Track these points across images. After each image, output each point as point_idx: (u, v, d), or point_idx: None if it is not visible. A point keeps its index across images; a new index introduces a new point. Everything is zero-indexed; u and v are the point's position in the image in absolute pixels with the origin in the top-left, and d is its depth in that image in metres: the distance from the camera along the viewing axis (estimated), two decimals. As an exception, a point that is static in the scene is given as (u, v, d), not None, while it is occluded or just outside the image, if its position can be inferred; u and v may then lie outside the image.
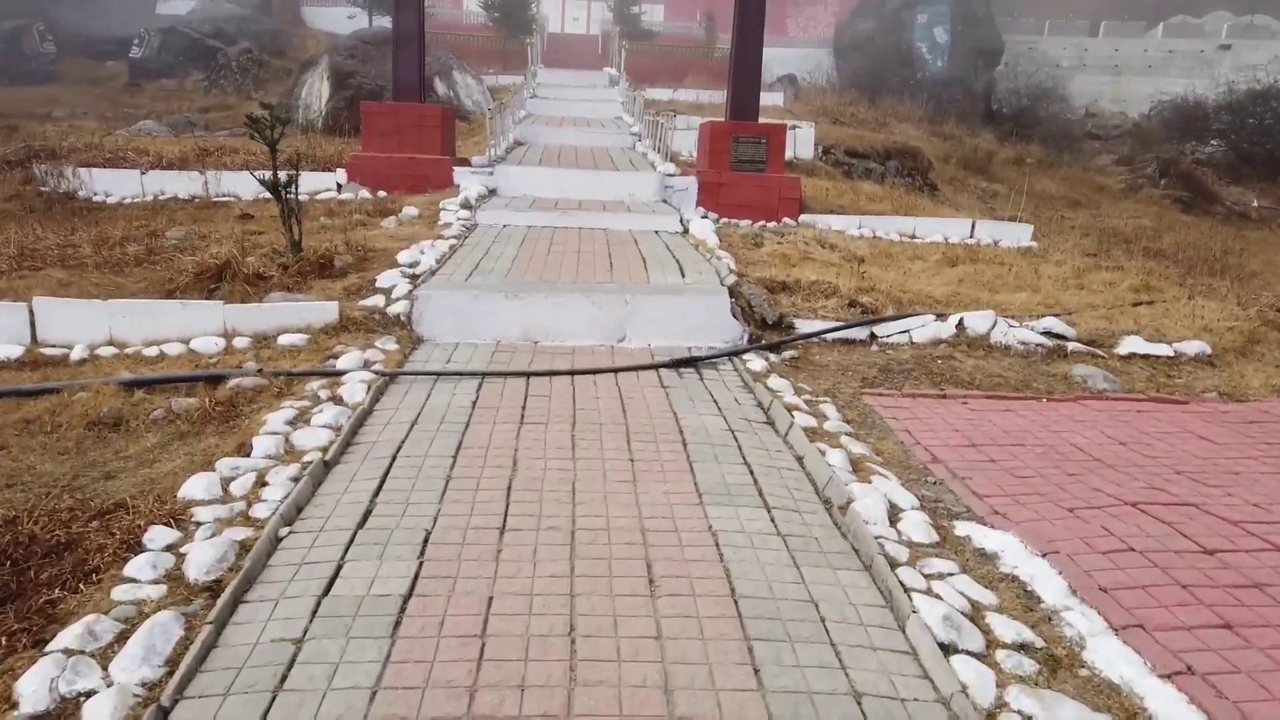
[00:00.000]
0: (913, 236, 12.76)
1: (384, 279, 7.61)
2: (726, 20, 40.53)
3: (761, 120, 13.64)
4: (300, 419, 5.25)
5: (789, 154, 20.58)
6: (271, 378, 5.94)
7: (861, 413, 5.92)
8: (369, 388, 5.69)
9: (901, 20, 41.29)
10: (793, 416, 5.47)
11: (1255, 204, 27.85)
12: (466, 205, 11.19)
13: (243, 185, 12.38)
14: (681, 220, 11.02)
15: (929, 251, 11.77)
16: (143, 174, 12.70)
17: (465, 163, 13.51)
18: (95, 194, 12.41)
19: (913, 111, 33.08)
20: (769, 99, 29.86)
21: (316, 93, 21.68)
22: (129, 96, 29.82)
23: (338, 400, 5.55)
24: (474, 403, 5.59)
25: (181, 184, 12.61)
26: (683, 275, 8.04)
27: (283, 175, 8.41)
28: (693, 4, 48.47)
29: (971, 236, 12.92)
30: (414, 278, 7.68)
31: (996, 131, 35.57)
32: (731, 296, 7.55)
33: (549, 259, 8.64)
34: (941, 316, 8.00)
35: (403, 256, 8.26)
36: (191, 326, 6.70)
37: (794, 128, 21.63)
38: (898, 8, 41.88)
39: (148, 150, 14.00)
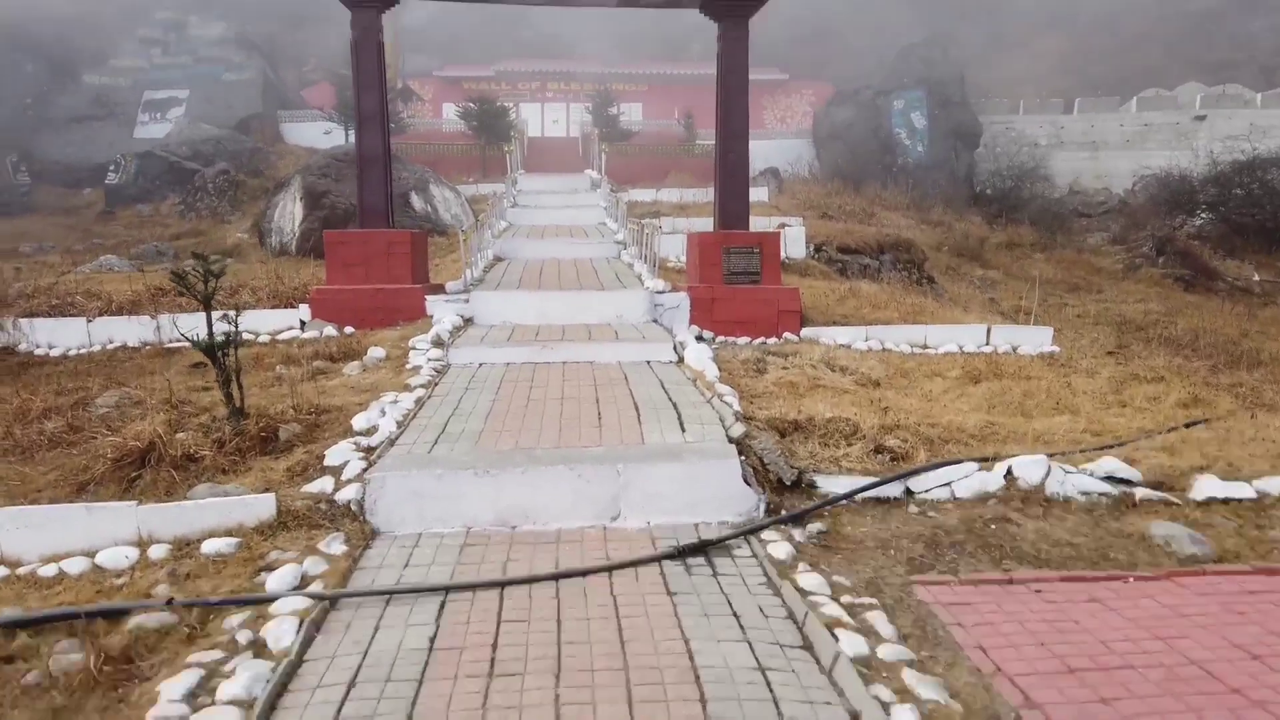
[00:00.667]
0: (924, 346, 11.80)
1: (334, 454, 6.50)
2: (705, 117, 40.49)
3: (750, 218, 12.77)
4: (208, 684, 4.07)
5: (781, 255, 19.83)
6: (183, 611, 4.77)
7: (918, 618, 4.76)
8: (301, 623, 4.52)
9: (878, 107, 41.44)
10: (836, 640, 4.32)
11: (1256, 278, 27.20)
12: (439, 342, 10.18)
13: (202, 326, 11.38)
14: (675, 347, 10.01)
15: (946, 365, 10.77)
16: (89, 322, 11.69)
17: (440, 289, 12.58)
18: (37, 347, 11.38)
19: (898, 199, 32.73)
20: (753, 194, 29.40)
21: (289, 215, 20.97)
22: (102, 225, 29.23)
23: (260, 647, 4.38)
24: (432, 641, 4.42)
25: (132, 331, 11.59)
26: (682, 429, 6.95)
27: (223, 329, 7.40)
28: (670, 101, 48.85)
29: (988, 343, 11.96)
30: (369, 450, 6.57)
31: (983, 214, 35.27)
32: (741, 453, 6.45)
33: (528, 412, 7.56)
34: (985, 463, 6.90)
35: (359, 421, 7.16)
36: (100, 534, 5.56)
37: (784, 226, 20.96)
38: (873, 95, 42.10)
39: (99, 293, 13.04)
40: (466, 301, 11.86)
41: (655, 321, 11.89)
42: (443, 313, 11.61)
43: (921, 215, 29.61)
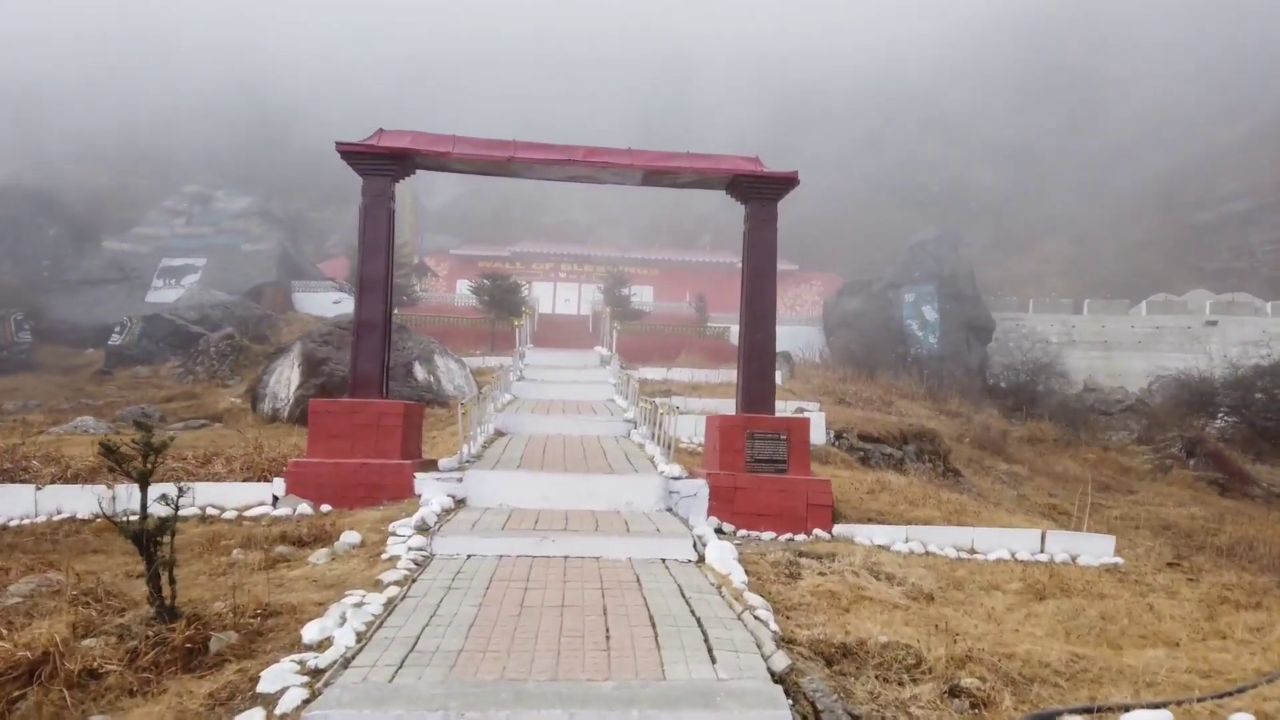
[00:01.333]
0: (972, 551, 10.44)
1: (271, 677, 5.11)
2: (717, 300, 40.54)
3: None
4: None
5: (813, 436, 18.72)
6: None
7: None
8: None
9: (889, 299, 41.65)
10: None
11: (1295, 483, 25.89)
12: (423, 528, 8.88)
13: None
14: (695, 544, 8.69)
15: (1003, 575, 9.39)
16: (38, 489, 10.45)
17: (433, 465, 11.39)
18: (-25, 515, 10.09)
19: (913, 388, 31.96)
20: (766, 378, 28.75)
21: (285, 380, 20.09)
22: (96, 385, 28.43)
23: None
24: None
25: (84, 501, 10.32)
26: (711, 657, 5.57)
27: (166, 509, 6.16)
28: (681, 285, 49.38)
29: (1042, 550, 10.60)
30: (317, 673, 5.19)
31: (999, 407, 34.39)
32: (789, 697, 5.05)
33: (520, 624, 6.19)
34: (1091, 716, 5.47)
35: (311, 631, 5.80)
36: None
37: (801, 411, 19.97)
38: (884, 287, 42.42)
39: (59, 457, 11.87)
40: (460, 481, 10.64)
41: (670, 511, 10.61)
42: (432, 493, 10.37)
43: (938, 405, 28.71)
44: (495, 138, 11.93)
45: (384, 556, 8.10)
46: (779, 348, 36.12)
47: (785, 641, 6.28)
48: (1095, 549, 10.70)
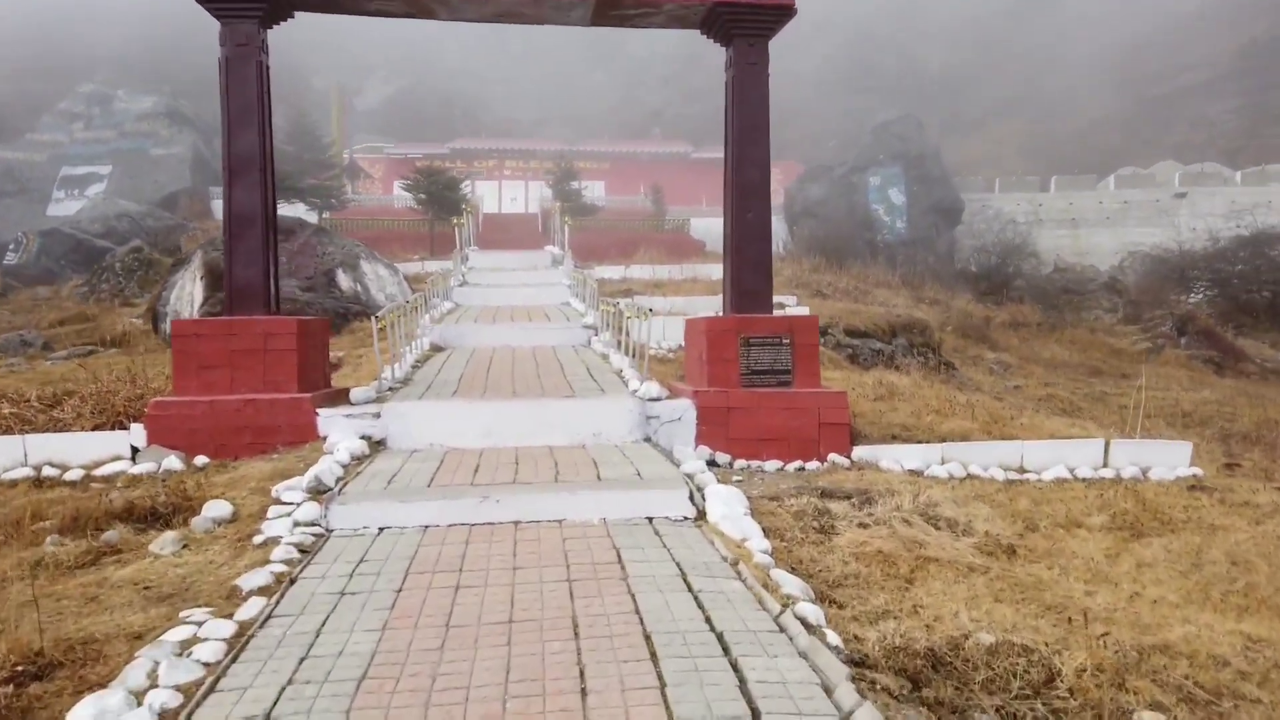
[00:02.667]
0: (1022, 470, 8.34)
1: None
2: (674, 193, 37.68)
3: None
4: None
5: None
6: None
7: None
8: None
9: (853, 184, 39.16)
10: None
11: (1290, 358, 24.46)
12: (319, 489, 6.45)
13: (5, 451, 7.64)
14: (690, 494, 6.37)
15: (1077, 505, 7.30)
16: None
17: (344, 397, 8.88)
18: None
19: (886, 276, 29.81)
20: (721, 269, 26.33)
21: (188, 296, 17.22)
22: (-13, 309, 25.07)
23: None
24: None
25: (-128, 463, 7.70)
26: (745, 696, 3.29)
27: None
28: (633, 179, 46.27)
29: (1105, 464, 8.53)
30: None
31: (973, 291, 32.47)
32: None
33: (444, 662, 3.86)
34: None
35: (84, 712, 3.40)
36: None
37: (781, 306, 17.67)
38: (847, 172, 39.86)
39: None
40: (377, 416, 8.18)
41: (648, 441, 8.30)
42: (340, 434, 7.92)
43: (915, 293, 26.63)
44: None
45: (258, 540, 5.68)
46: None
47: (856, 664, 4.04)
48: (1167, 458, 8.67)
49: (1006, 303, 29.23)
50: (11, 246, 29.14)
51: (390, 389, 9.49)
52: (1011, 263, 35.77)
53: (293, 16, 9.17)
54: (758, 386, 8.65)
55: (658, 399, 8.64)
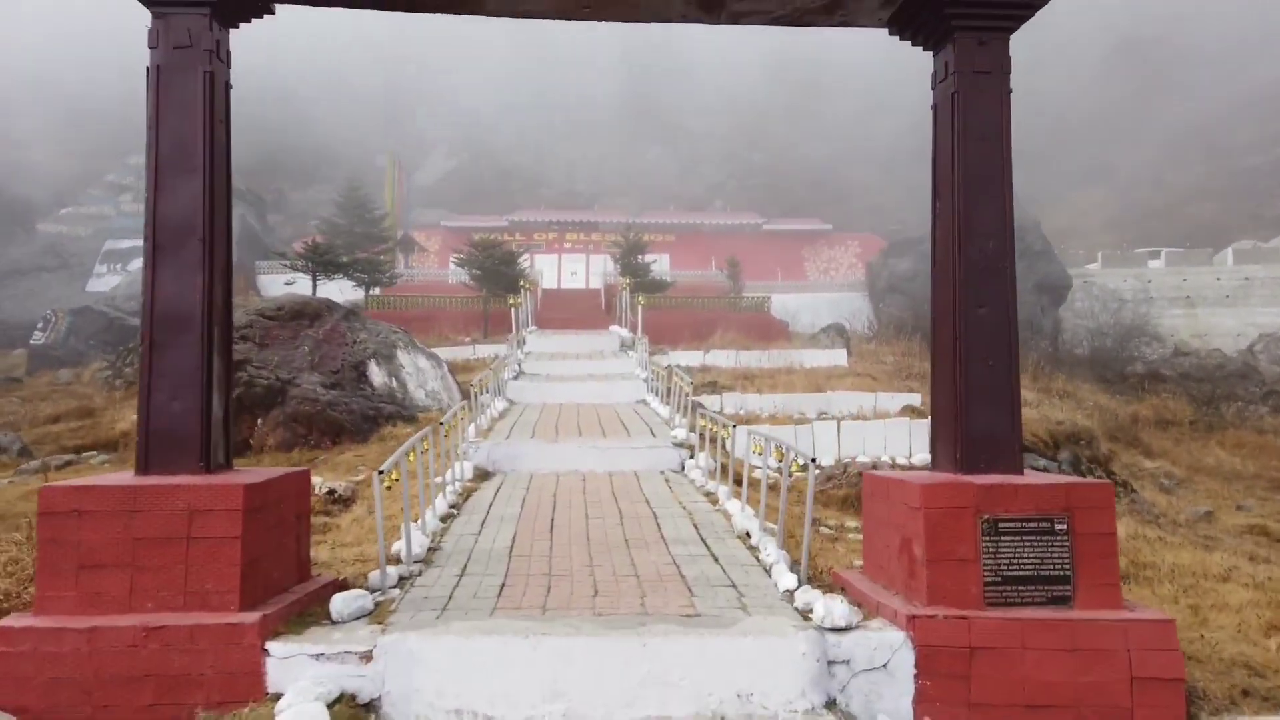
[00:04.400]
0: None
1: None
2: (747, 268, 34.31)
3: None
4: None
5: (926, 452, 12.73)
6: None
7: None
8: None
9: (944, 258, 35.46)
10: None
11: None
12: None
13: None
14: None
15: None
16: None
17: (326, 600, 5.41)
18: None
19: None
20: (826, 356, 22.78)
21: (191, 392, 14.03)
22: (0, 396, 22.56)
23: None
24: None
25: None
26: None
27: None
28: (701, 252, 43.20)
29: None
30: None
31: (1093, 381, 28.26)
32: None
33: None
34: None
35: None
36: None
37: (912, 411, 14.00)
38: (937, 245, 36.23)
39: None
40: (367, 658, 4.69)
41: (832, 708, 4.66)
42: (302, 694, 4.45)
43: (1041, 386, 22.65)
44: None
45: None
46: (813, 318, 29.63)
47: None
48: None
49: (1146, 395, 25.05)
50: (39, 325, 26.86)
51: (402, 578, 6.01)
52: (1131, 347, 31.65)
53: (272, 11, 6.02)
54: (1014, 605, 4.99)
55: (844, 628, 5.00)
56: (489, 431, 12.01)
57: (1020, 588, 5.04)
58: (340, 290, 28.29)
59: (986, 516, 5.08)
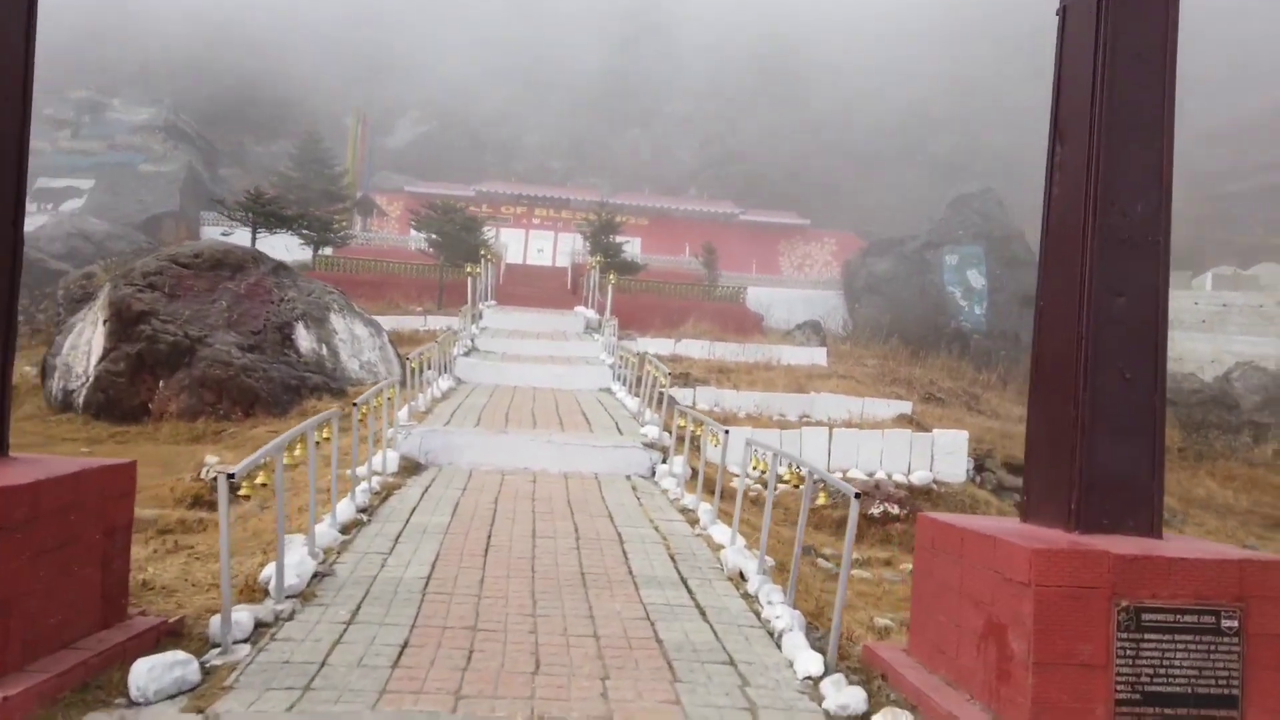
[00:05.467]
0: None
1: None
2: (728, 257, 32.67)
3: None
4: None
5: (927, 470, 11.16)
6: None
7: None
8: None
9: (926, 261, 34.15)
10: None
11: None
12: None
13: None
14: None
15: None
16: None
17: (111, 690, 3.55)
18: None
19: (976, 373, 24.57)
20: (805, 355, 21.18)
21: (84, 347, 12.15)
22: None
23: None
24: None
25: None
26: None
27: None
28: (675, 238, 41.42)
29: None
30: None
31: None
32: None
33: None
34: None
35: None
36: None
37: (915, 424, 12.44)
38: (919, 247, 34.90)
39: None
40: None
41: None
42: None
43: (1023, 396, 21.28)
44: None
45: None
46: (789, 314, 27.95)
47: None
48: None
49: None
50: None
51: (261, 625, 4.20)
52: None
53: None
54: (1159, 735, 3.33)
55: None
56: (426, 414, 10.17)
57: (1166, 710, 3.38)
58: (286, 248, 26.09)
59: (1126, 603, 3.41)
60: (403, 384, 9.96)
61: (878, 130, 70.34)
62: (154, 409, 11.62)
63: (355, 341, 12.85)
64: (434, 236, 23.40)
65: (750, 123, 73.32)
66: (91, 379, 11.80)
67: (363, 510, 6.51)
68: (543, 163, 69.82)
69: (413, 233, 32.43)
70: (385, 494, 7.29)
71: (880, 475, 10.89)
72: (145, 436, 11.35)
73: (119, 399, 11.65)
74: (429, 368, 11.81)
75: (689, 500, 7.56)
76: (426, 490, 7.54)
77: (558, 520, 6.76)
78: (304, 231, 24.07)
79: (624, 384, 13.26)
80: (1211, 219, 60.63)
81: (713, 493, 7.19)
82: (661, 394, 10.31)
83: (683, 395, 13.52)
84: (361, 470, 7.21)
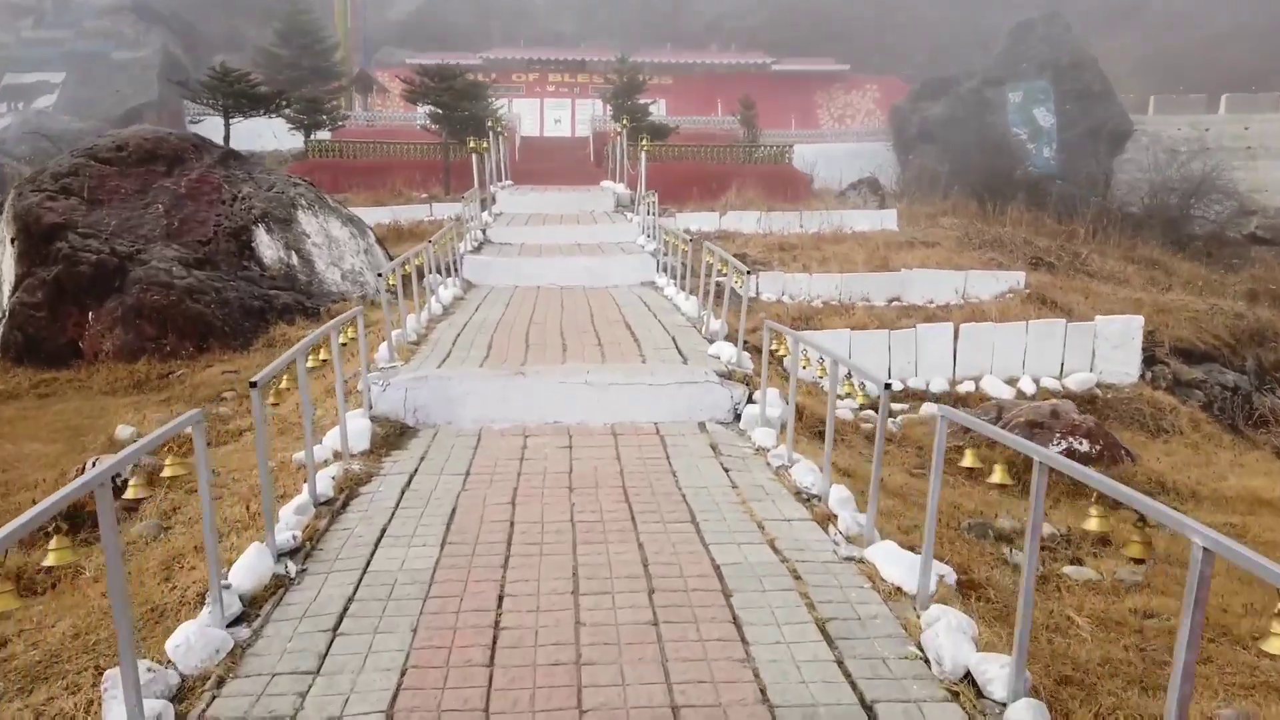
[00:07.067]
0: None
1: None
2: (763, 113, 28.77)
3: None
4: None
5: (1086, 369, 8.37)
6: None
7: None
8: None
9: (986, 100, 30.07)
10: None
11: None
12: None
13: None
14: None
15: None
16: None
17: None
18: None
19: (1066, 227, 21.27)
20: (866, 218, 18.05)
21: (-6, 273, 9.49)
22: None
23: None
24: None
25: None
26: None
27: None
28: (702, 97, 37.35)
29: None
30: None
31: (1155, 243, 23.66)
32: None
33: None
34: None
35: None
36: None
37: (1053, 305, 9.51)
38: (978, 85, 30.75)
39: None
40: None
41: None
42: None
43: (1127, 254, 18.11)
44: None
45: None
46: (840, 173, 23.99)
47: None
48: None
49: (1229, 262, 20.67)
50: (-91, 175, 21.58)
51: None
52: (1195, 204, 27.00)
53: None
54: None
55: None
56: (420, 343, 7.45)
57: None
58: (274, 134, 22.97)
59: None
60: (386, 302, 7.21)
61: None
62: (85, 349, 9.05)
63: (332, 245, 10.04)
64: (434, 110, 20.08)
65: (772, -36, 66.70)
66: (6, 315, 9.20)
67: (290, 554, 3.89)
68: (552, 26, 64.44)
69: (419, 110, 28.94)
70: (345, 497, 4.68)
71: (1024, 381, 8.10)
72: (75, 386, 8.82)
73: (41, 339, 9.08)
74: (429, 271, 9.04)
75: (804, 472, 4.86)
76: (409, 483, 4.91)
77: (611, 535, 4.12)
78: (290, 114, 20.87)
79: (672, 276, 10.40)
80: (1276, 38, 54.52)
81: (839, 470, 4.49)
82: (727, 290, 7.46)
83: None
84: (320, 447, 4.57)
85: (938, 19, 52.52)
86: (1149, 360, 8.78)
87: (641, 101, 24.36)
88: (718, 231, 16.04)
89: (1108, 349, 8.17)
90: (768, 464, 5.28)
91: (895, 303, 11.28)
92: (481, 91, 20.54)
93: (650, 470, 5.13)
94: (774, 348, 6.22)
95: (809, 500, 4.64)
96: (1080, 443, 6.40)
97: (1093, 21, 63.97)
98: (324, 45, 29.18)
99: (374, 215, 16.43)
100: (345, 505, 4.59)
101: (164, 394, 8.36)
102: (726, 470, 5.13)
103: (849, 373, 5.45)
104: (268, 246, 9.63)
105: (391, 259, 11.09)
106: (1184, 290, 13.78)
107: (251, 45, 44.42)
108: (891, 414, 7.56)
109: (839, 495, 4.48)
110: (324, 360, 5.75)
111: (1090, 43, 61.64)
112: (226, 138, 18.69)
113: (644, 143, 14.79)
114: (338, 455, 5.12)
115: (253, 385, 3.73)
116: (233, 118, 18.17)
